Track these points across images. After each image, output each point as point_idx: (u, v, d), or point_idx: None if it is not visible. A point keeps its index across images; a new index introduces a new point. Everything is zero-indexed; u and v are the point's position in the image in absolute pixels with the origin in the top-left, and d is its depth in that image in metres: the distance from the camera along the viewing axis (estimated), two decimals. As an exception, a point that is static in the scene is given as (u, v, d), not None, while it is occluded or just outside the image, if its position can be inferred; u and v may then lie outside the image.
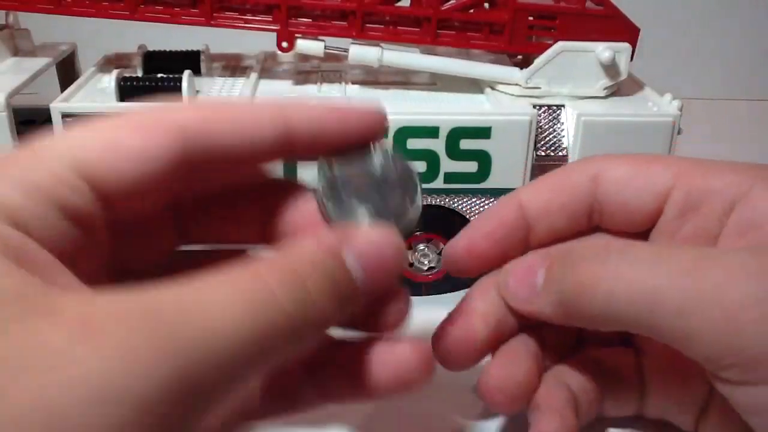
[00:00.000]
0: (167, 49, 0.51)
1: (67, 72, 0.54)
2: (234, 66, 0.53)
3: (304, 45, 0.46)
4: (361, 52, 0.46)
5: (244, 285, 0.21)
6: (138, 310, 0.19)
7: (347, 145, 0.27)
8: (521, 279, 0.30)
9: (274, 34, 0.46)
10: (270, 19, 0.46)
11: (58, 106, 0.44)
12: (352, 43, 0.46)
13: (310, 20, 0.46)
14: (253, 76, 0.49)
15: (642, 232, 0.32)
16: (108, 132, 0.23)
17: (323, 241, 0.24)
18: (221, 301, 0.20)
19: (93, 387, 0.17)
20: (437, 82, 0.49)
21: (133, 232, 0.26)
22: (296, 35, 0.46)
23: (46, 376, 0.17)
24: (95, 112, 0.44)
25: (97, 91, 0.46)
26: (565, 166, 0.34)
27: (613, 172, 0.31)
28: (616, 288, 0.26)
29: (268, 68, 0.52)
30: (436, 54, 0.48)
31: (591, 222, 0.32)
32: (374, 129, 0.28)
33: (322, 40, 0.46)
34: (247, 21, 0.46)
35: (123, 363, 0.17)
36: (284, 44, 0.46)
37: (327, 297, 0.22)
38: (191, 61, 0.50)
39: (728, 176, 0.29)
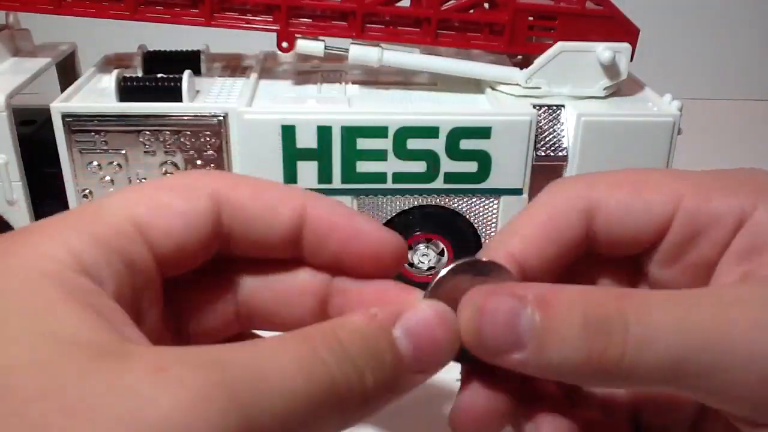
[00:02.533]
0: (167, 49, 0.51)
1: (67, 72, 0.54)
2: (234, 66, 0.52)
3: (304, 45, 0.46)
4: (362, 53, 0.46)
5: (298, 351, 0.22)
6: (209, 363, 0.20)
7: None
8: (500, 323, 0.25)
9: (274, 34, 0.46)
10: (270, 19, 0.46)
11: (58, 106, 0.44)
12: (352, 43, 0.46)
13: (310, 20, 0.46)
14: (253, 76, 0.49)
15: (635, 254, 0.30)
16: (154, 193, 0.25)
17: (375, 314, 0.24)
18: (279, 364, 0.21)
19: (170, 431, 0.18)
20: (437, 82, 0.49)
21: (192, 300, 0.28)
22: (296, 35, 0.46)
23: (124, 418, 0.18)
24: (95, 113, 0.44)
25: (97, 91, 0.46)
26: (546, 199, 0.30)
27: (608, 203, 0.29)
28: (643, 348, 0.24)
29: (268, 68, 0.52)
30: (436, 54, 0.48)
31: (581, 251, 0.30)
32: (390, 256, 0.27)
33: (322, 40, 0.46)
34: (247, 21, 0.46)
35: (198, 411, 0.18)
36: (284, 44, 0.46)
37: (372, 369, 0.23)
38: (191, 61, 0.50)
39: (732, 199, 0.27)
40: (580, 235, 0.29)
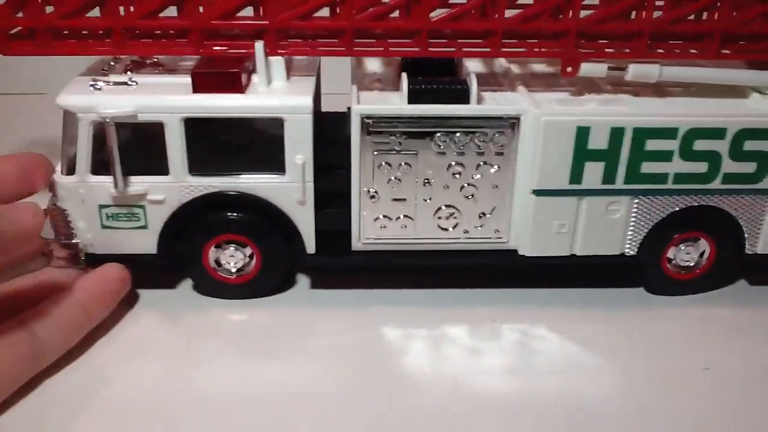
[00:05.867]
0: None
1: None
2: (488, 73, 0.54)
3: (587, 68, 0.47)
4: (642, 70, 0.47)
5: None
6: None
7: None
8: None
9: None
10: (556, 43, 0.46)
11: (358, 108, 0.45)
12: (632, 61, 0.47)
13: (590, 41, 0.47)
14: (518, 79, 0.50)
15: None
16: None
17: None
18: None
19: None
20: (693, 87, 0.50)
21: None
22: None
23: None
24: (394, 115, 0.46)
25: (390, 95, 0.48)
26: None
27: None
28: None
29: (523, 73, 0.53)
30: (702, 65, 0.48)
31: None
32: None
33: (603, 62, 0.47)
34: (529, 46, 0.47)
35: None
36: (569, 69, 0.46)
37: None
38: (446, 68, 0.51)
39: None
40: None
